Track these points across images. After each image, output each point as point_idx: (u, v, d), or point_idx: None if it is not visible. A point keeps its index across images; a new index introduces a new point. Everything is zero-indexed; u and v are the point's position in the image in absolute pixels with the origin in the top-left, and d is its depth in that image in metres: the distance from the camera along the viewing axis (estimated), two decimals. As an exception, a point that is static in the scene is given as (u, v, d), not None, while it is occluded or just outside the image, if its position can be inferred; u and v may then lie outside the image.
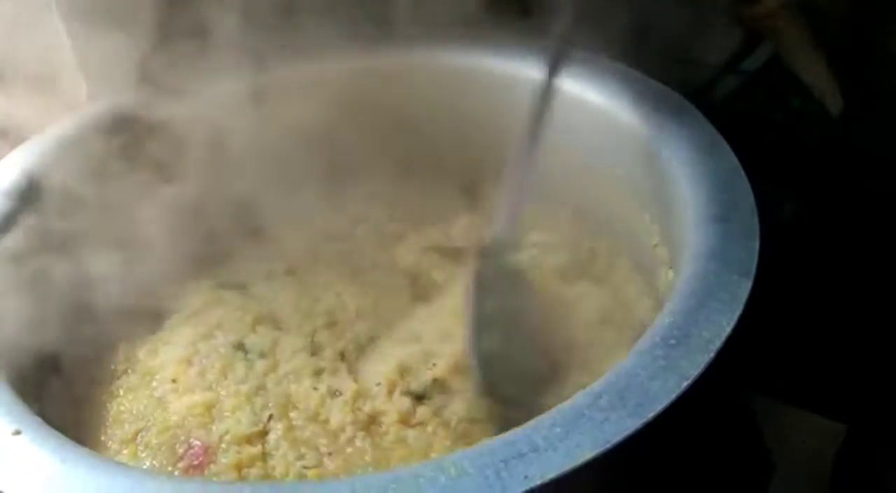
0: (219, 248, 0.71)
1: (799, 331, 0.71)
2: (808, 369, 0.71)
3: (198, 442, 0.55)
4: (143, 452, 0.56)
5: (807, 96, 0.76)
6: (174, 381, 0.60)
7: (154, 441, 0.56)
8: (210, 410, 0.57)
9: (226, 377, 0.60)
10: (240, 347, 0.62)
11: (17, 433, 0.45)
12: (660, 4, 0.76)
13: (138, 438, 0.57)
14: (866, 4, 0.73)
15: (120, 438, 0.57)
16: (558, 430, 0.41)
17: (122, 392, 0.61)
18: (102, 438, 0.58)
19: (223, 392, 0.58)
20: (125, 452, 0.56)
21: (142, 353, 0.63)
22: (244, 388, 0.59)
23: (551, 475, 0.39)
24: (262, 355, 0.61)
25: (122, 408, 0.60)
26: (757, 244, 0.49)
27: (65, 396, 0.59)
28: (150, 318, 0.66)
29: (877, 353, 0.68)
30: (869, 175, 0.74)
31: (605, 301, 0.63)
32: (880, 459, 0.64)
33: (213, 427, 0.56)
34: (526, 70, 0.67)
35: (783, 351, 0.70)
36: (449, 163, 0.76)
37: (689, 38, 0.77)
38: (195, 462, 0.55)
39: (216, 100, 0.70)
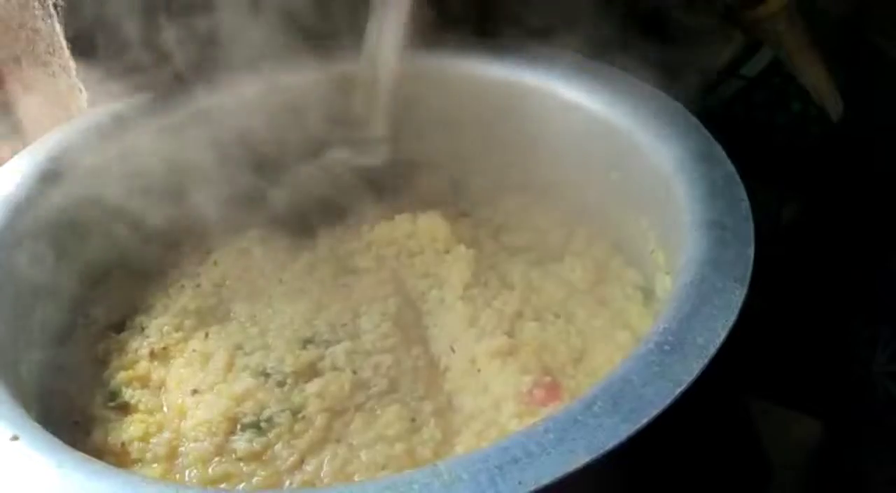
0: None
1: (797, 332, 0.71)
2: (805, 371, 0.71)
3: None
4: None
5: (807, 100, 0.76)
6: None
7: None
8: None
9: None
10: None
11: (15, 438, 0.45)
12: (659, 9, 0.76)
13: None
14: (865, 8, 0.73)
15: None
16: (552, 436, 0.41)
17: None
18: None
19: None
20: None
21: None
22: None
23: (545, 480, 0.39)
24: None
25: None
26: (752, 251, 0.49)
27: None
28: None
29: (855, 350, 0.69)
30: (868, 178, 0.74)
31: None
32: (865, 457, 0.64)
33: None
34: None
35: (781, 353, 0.70)
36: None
37: (690, 43, 0.77)
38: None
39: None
